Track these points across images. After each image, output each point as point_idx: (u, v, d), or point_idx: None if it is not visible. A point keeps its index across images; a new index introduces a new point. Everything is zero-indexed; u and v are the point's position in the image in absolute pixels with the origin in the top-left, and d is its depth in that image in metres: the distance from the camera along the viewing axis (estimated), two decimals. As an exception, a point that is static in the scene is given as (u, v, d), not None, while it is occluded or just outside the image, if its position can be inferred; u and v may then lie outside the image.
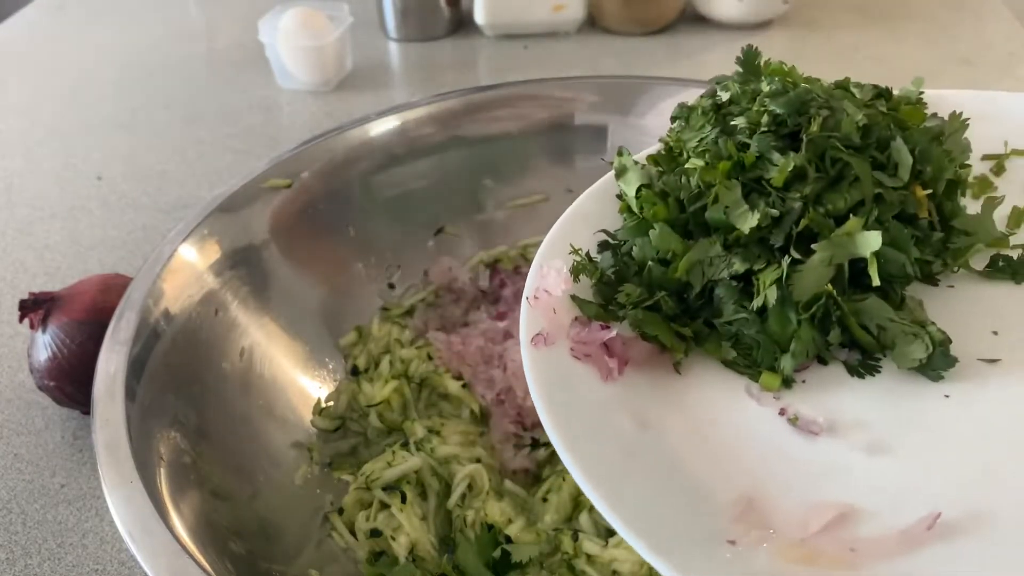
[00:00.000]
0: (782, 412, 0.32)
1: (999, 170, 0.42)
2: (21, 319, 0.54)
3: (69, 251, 0.73)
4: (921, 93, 0.39)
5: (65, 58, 1.08)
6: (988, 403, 0.32)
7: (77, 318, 0.53)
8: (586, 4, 1.02)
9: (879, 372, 0.33)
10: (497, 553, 0.44)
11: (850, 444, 0.31)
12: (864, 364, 0.33)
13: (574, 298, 0.36)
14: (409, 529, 0.46)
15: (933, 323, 0.33)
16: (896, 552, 0.27)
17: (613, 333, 0.34)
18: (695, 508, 0.29)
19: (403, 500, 0.47)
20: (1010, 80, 0.88)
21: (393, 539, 0.46)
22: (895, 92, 0.39)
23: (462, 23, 1.07)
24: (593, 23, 1.05)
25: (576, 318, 0.35)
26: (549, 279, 0.36)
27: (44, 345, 0.53)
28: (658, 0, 1.00)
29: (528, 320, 0.35)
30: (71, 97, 0.98)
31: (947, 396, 0.32)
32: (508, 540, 0.45)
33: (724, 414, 0.33)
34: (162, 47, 1.10)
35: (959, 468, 0.29)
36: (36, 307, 0.54)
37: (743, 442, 0.31)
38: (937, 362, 0.32)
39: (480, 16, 1.02)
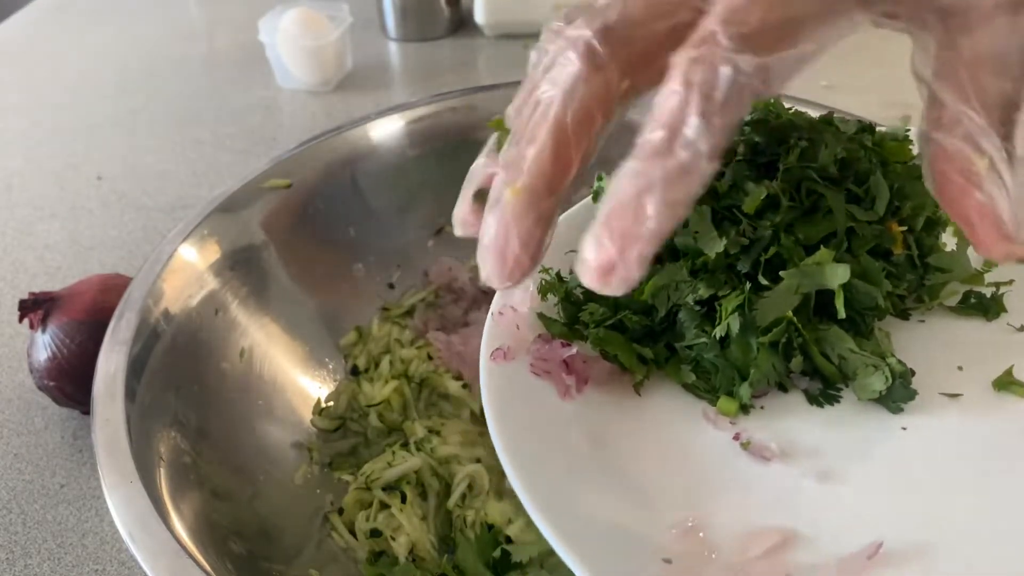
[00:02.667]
0: (736, 437, 0.32)
1: None
2: (21, 319, 0.54)
3: (69, 251, 0.73)
4: (908, 130, 0.39)
5: (65, 58, 1.08)
6: (943, 437, 0.32)
7: (77, 318, 0.53)
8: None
9: (839, 402, 0.33)
10: (497, 553, 0.44)
11: (801, 471, 0.31)
12: (824, 394, 0.33)
13: (540, 315, 0.35)
14: (409, 529, 0.46)
15: (894, 356, 0.33)
16: None
17: (574, 351, 0.34)
18: (637, 527, 0.29)
19: (403, 500, 0.47)
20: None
21: (393, 539, 0.46)
22: (882, 128, 0.39)
23: (462, 23, 1.07)
24: (593, 23, 1.05)
25: (539, 335, 0.35)
26: (515, 296, 0.36)
27: (44, 345, 0.53)
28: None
29: (491, 335, 0.35)
30: (71, 97, 0.98)
31: (904, 428, 0.32)
32: (508, 540, 0.45)
33: (679, 437, 0.33)
34: (162, 47, 1.10)
35: (907, 500, 0.29)
36: (36, 307, 0.54)
37: (695, 465, 0.31)
38: (896, 394, 0.32)
39: (480, 16, 1.02)
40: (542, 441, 0.31)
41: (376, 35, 1.07)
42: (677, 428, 0.33)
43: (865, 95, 0.85)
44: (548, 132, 0.27)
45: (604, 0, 0.27)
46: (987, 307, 0.36)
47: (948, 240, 0.38)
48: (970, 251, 0.37)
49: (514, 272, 0.27)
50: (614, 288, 0.24)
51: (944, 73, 0.27)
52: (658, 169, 0.24)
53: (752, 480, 0.31)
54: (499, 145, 0.34)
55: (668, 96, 0.24)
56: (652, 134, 0.24)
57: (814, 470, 0.31)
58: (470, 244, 0.64)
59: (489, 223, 0.28)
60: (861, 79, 0.88)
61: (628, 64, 0.27)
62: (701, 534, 0.28)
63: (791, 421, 0.33)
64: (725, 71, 0.24)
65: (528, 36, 1.04)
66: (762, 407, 0.33)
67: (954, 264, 0.37)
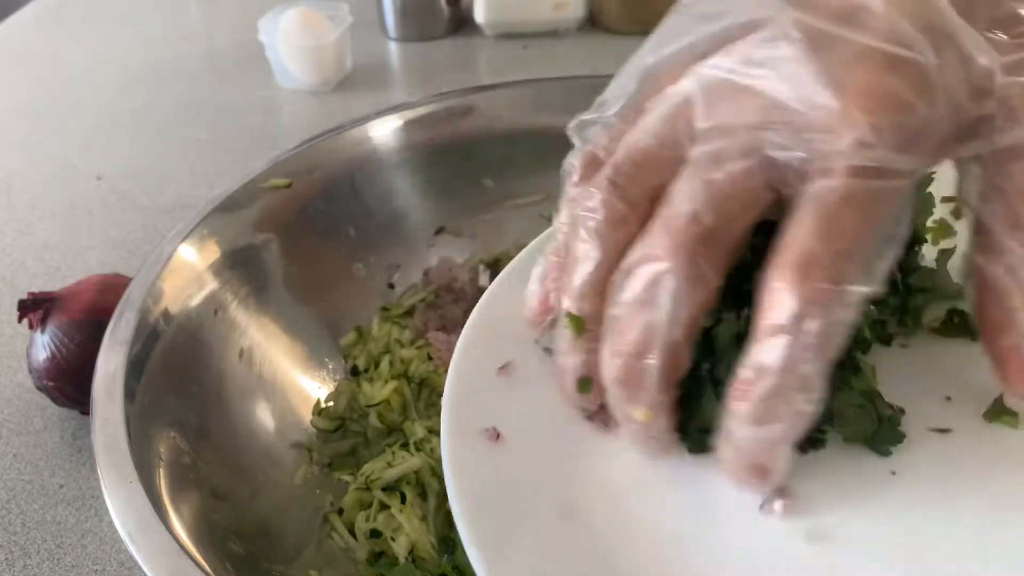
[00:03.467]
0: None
1: (958, 214, 0.39)
2: (20, 319, 0.54)
3: (68, 251, 0.73)
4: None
5: (65, 58, 1.08)
6: (934, 481, 0.30)
7: (76, 318, 0.53)
8: (586, 4, 1.02)
9: (823, 447, 0.31)
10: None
11: (788, 530, 0.29)
12: (808, 438, 0.30)
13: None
14: (409, 529, 0.46)
15: (881, 396, 0.31)
16: None
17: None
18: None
19: (403, 500, 0.47)
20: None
21: (393, 539, 0.46)
22: None
23: (462, 23, 1.07)
24: (593, 23, 1.05)
25: None
26: None
27: (43, 345, 0.53)
28: (658, 0, 1.00)
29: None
30: (71, 97, 0.98)
31: (893, 473, 0.30)
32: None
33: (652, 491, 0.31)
34: (162, 47, 1.10)
35: (901, 557, 0.28)
36: (35, 307, 0.54)
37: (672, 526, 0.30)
38: (885, 437, 0.30)
39: (480, 16, 1.02)
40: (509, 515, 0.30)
41: (376, 35, 1.07)
42: (651, 483, 0.31)
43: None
44: (662, 353, 0.27)
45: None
46: (971, 328, 0.34)
47: (927, 252, 0.37)
48: (951, 264, 0.36)
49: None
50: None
51: (992, 198, 0.26)
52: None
53: (736, 538, 0.29)
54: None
55: (773, 343, 0.24)
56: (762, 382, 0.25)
57: (803, 529, 0.29)
58: (470, 244, 0.64)
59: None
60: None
61: (720, 256, 0.26)
62: None
63: None
64: (843, 315, 0.24)
65: (528, 36, 1.04)
66: None
67: (936, 282, 0.35)
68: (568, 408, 0.33)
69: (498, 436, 0.33)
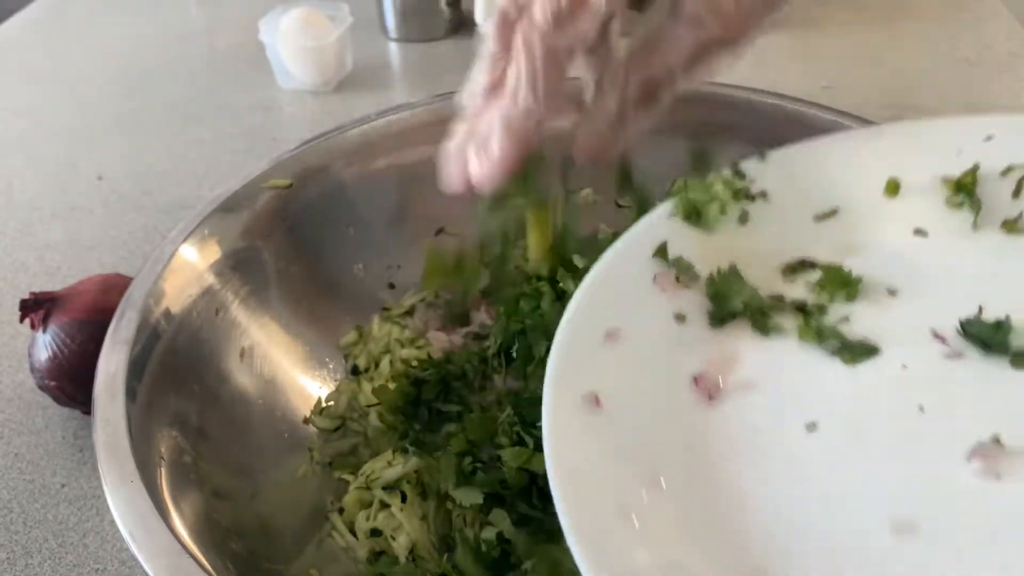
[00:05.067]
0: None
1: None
2: (22, 319, 0.54)
3: (69, 251, 0.73)
4: None
5: (65, 58, 1.08)
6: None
7: (78, 318, 0.53)
8: (586, 4, 1.02)
9: None
10: (496, 553, 0.44)
11: (878, 518, 0.29)
12: None
13: None
14: (409, 529, 0.46)
15: None
16: None
17: None
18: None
19: (403, 500, 0.47)
20: (1010, 79, 0.88)
21: (393, 539, 0.46)
22: None
23: (462, 23, 1.07)
24: (593, 23, 1.05)
25: None
26: None
27: (45, 345, 0.53)
28: (658, 1, 1.00)
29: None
30: (71, 97, 0.99)
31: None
32: (508, 541, 0.45)
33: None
34: (162, 47, 1.10)
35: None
36: (37, 307, 0.54)
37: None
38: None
39: (480, 16, 1.02)
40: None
41: (376, 35, 1.07)
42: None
43: (865, 95, 0.85)
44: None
45: None
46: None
47: None
48: None
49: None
50: None
51: None
52: None
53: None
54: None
55: None
56: None
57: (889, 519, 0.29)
58: (470, 244, 0.64)
59: None
60: (861, 79, 0.88)
61: None
62: None
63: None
64: None
65: (528, 36, 1.04)
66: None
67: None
68: (672, 377, 0.34)
69: (598, 402, 0.33)
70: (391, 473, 0.48)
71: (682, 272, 0.37)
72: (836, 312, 0.36)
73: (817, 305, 0.37)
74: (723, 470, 0.31)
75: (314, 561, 0.45)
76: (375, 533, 0.47)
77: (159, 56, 1.07)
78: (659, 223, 0.40)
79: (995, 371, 0.32)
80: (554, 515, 0.45)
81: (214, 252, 0.51)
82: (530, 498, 0.45)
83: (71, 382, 0.54)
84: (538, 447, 0.45)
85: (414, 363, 0.56)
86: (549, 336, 0.50)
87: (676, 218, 0.40)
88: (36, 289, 0.62)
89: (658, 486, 0.30)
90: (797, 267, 0.38)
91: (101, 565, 0.48)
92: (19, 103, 0.98)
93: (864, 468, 0.30)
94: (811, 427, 0.32)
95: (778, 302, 0.37)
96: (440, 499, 0.48)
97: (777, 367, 0.35)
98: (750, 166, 0.41)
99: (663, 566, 0.28)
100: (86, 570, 0.48)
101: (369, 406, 0.53)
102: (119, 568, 0.48)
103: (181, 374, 0.46)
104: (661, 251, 0.38)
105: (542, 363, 0.47)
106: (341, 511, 0.48)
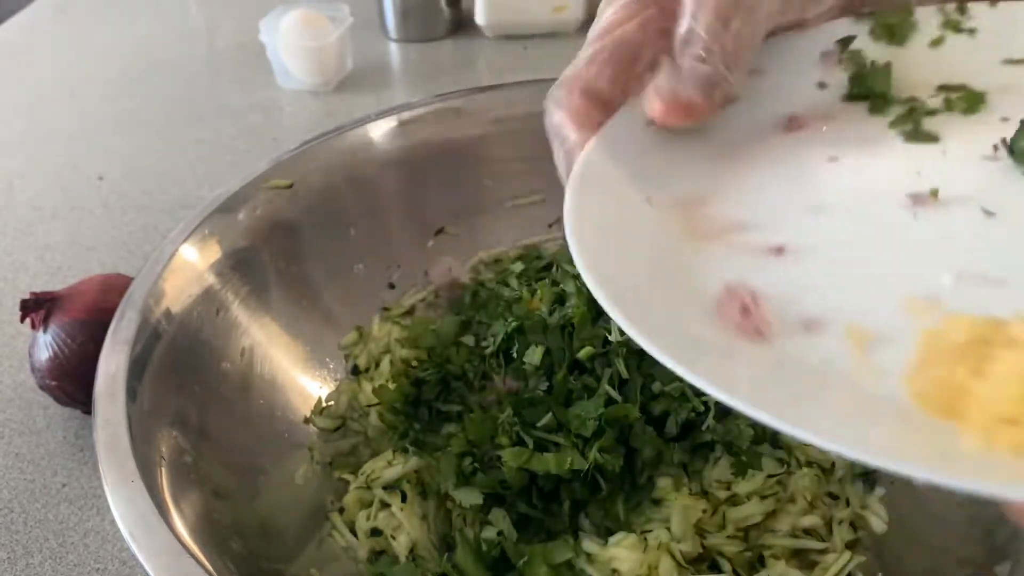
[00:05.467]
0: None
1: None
2: (22, 319, 0.54)
3: (70, 251, 0.73)
4: None
5: (65, 58, 1.08)
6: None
7: (78, 318, 0.53)
8: (586, 5, 1.02)
9: None
10: (496, 553, 0.44)
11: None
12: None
13: None
14: (409, 528, 0.46)
15: None
16: None
17: None
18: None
19: (403, 499, 0.47)
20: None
21: (393, 538, 0.46)
22: None
23: (462, 24, 1.08)
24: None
25: None
26: None
27: (45, 345, 0.53)
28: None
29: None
30: (72, 97, 0.99)
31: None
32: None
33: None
34: (162, 47, 1.10)
35: None
36: (37, 307, 0.54)
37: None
38: None
39: (480, 17, 1.02)
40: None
41: (376, 35, 1.07)
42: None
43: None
44: None
45: None
46: None
47: None
48: None
49: None
50: None
51: None
52: None
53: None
54: None
55: None
56: None
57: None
58: (470, 244, 0.64)
59: None
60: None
61: None
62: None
63: None
64: None
65: (528, 37, 1.04)
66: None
67: None
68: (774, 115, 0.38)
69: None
70: (391, 473, 0.48)
71: (849, 57, 0.39)
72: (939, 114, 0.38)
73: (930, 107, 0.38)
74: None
75: (314, 561, 0.45)
76: (375, 533, 0.47)
77: (159, 56, 1.07)
78: (852, 27, 0.41)
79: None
80: (554, 515, 0.45)
81: (214, 252, 0.51)
82: (530, 498, 0.45)
83: (71, 382, 0.54)
84: (538, 447, 0.46)
85: (414, 363, 0.56)
86: (547, 336, 0.50)
87: (873, 32, 0.41)
88: (37, 289, 0.62)
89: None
90: (954, 88, 0.39)
91: (101, 565, 0.48)
92: (19, 103, 0.98)
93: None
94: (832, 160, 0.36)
95: (911, 100, 0.39)
96: (440, 499, 0.48)
97: (858, 137, 0.37)
98: (977, 7, 0.42)
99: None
100: (86, 570, 0.48)
101: (369, 406, 0.53)
102: (119, 568, 0.48)
103: (181, 374, 0.46)
104: (845, 41, 0.39)
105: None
106: (341, 511, 0.48)
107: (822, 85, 0.40)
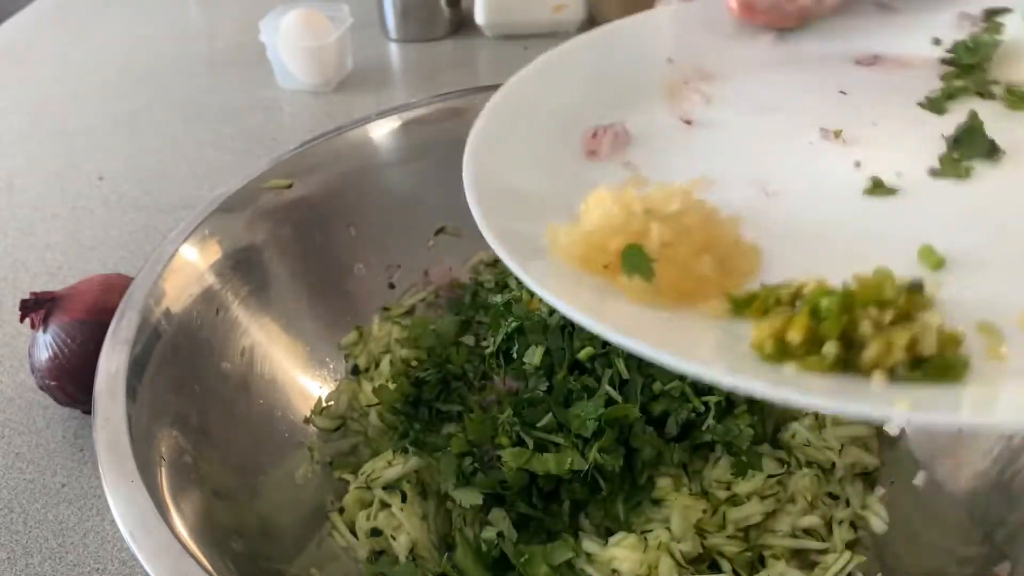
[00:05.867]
0: None
1: None
2: (22, 319, 0.54)
3: (70, 251, 0.73)
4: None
5: (66, 58, 1.08)
6: None
7: (78, 318, 0.53)
8: (586, 4, 1.02)
9: None
10: (496, 553, 0.44)
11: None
12: None
13: None
14: (409, 528, 0.46)
15: None
16: None
17: None
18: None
19: (403, 499, 0.47)
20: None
21: (393, 538, 0.46)
22: None
23: (462, 24, 1.07)
24: (593, 23, 1.05)
25: None
26: None
27: (45, 345, 0.53)
28: (658, 1, 1.00)
29: None
30: (72, 97, 0.99)
31: None
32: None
33: None
34: (162, 47, 1.10)
35: None
36: (37, 307, 0.54)
37: None
38: None
39: (480, 17, 1.02)
40: None
41: (376, 35, 1.07)
42: None
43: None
44: None
45: None
46: None
47: None
48: None
49: None
50: None
51: None
52: None
53: None
54: None
55: None
56: None
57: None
58: (470, 244, 0.64)
59: None
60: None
61: None
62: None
63: None
64: None
65: (528, 37, 1.04)
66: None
67: None
68: None
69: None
70: (391, 473, 0.48)
71: (987, 27, 0.42)
72: None
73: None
74: None
75: (314, 561, 0.45)
76: (375, 533, 0.47)
77: (159, 56, 1.07)
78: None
79: None
80: (554, 515, 0.45)
81: (214, 252, 0.51)
82: (530, 498, 0.45)
83: (71, 382, 0.54)
84: (538, 447, 0.46)
85: (414, 363, 0.56)
86: (547, 336, 0.50)
87: None
88: (37, 289, 0.62)
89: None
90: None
91: (101, 565, 0.48)
92: (19, 103, 0.98)
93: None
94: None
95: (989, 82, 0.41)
96: (440, 499, 0.48)
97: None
98: None
99: None
100: (86, 570, 0.48)
101: (369, 406, 0.53)
102: (119, 568, 0.48)
103: (181, 374, 0.46)
104: (994, 11, 0.42)
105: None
106: (341, 511, 0.48)
107: (936, 41, 0.42)
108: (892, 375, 0.27)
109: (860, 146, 0.38)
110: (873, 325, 0.27)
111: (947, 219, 0.34)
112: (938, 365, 0.27)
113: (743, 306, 0.31)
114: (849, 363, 0.28)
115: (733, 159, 0.39)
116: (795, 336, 0.28)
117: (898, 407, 0.26)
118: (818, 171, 0.38)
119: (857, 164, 0.37)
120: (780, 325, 0.28)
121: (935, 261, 0.32)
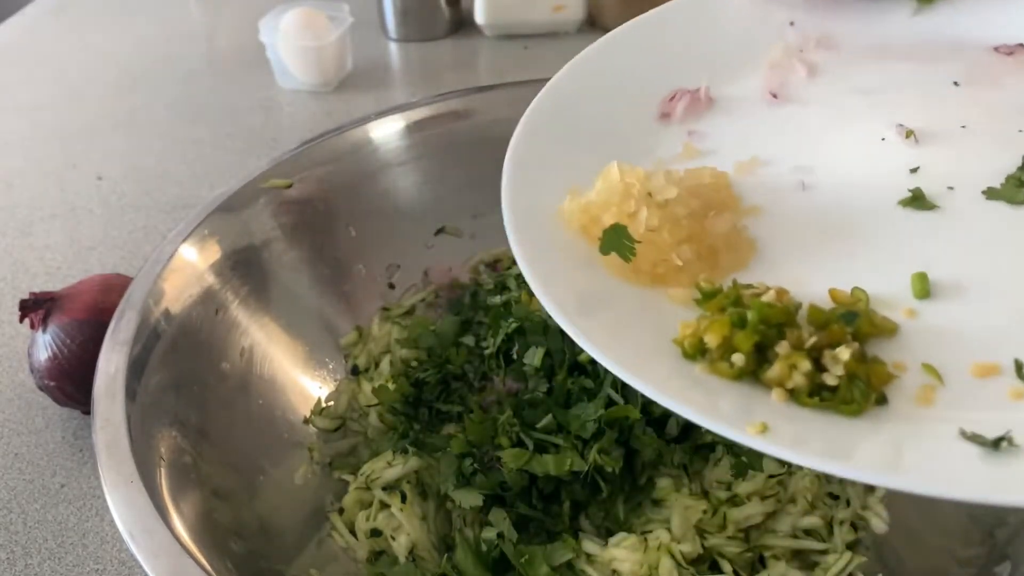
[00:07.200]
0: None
1: None
2: (22, 319, 0.54)
3: (69, 251, 0.73)
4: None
5: (65, 58, 1.08)
6: None
7: (78, 318, 0.53)
8: (586, 4, 1.02)
9: None
10: (496, 553, 0.44)
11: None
12: None
13: None
14: (409, 529, 0.46)
15: None
16: None
17: None
18: None
19: (403, 500, 0.47)
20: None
21: (393, 539, 0.46)
22: None
23: (462, 23, 1.07)
24: (593, 23, 1.05)
25: None
26: None
27: (44, 345, 0.53)
28: (658, 0, 1.00)
29: None
30: (71, 97, 0.98)
31: None
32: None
33: None
34: (162, 47, 1.10)
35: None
36: (36, 307, 0.54)
37: None
38: None
39: (480, 16, 1.02)
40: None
41: (376, 35, 1.07)
42: None
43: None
44: None
45: None
46: None
47: None
48: None
49: None
50: None
51: None
52: None
53: None
54: None
55: None
56: None
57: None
58: (470, 244, 0.64)
59: None
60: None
61: None
62: None
63: None
64: None
65: (528, 36, 1.04)
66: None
67: None
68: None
69: None
70: (391, 473, 0.48)
71: None
72: None
73: None
74: None
75: (314, 561, 0.45)
76: (375, 533, 0.47)
77: (159, 56, 1.07)
78: None
79: None
80: (554, 516, 0.45)
81: (214, 252, 0.51)
82: (530, 499, 0.45)
83: (71, 382, 0.54)
84: (538, 448, 0.45)
85: (414, 363, 0.56)
86: (548, 337, 0.50)
87: None
88: (36, 289, 0.62)
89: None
90: None
91: (101, 565, 0.48)
92: (19, 103, 0.98)
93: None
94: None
95: None
96: (440, 499, 0.48)
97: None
98: None
99: None
100: (86, 570, 0.48)
101: (369, 406, 0.53)
102: (119, 568, 0.48)
103: (181, 374, 0.46)
104: None
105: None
106: (341, 511, 0.48)
107: None
108: (792, 397, 0.28)
109: (928, 149, 0.35)
110: (792, 345, 0.28)
111: (967, 247, 0.32)
112: (837, 397, 0.27)
113: (706, 298, 0.31)
114: (757, 376, 0.28)
115: (792, 143, 0.37)
116: (711, 340, 0.29)
117: (749, 431, 0.26)
118: (867, 171, 0.35)
119: (913, 170, 0.35)
120: (703, 326, 0.29)
121: (921, 290, 0.31)
